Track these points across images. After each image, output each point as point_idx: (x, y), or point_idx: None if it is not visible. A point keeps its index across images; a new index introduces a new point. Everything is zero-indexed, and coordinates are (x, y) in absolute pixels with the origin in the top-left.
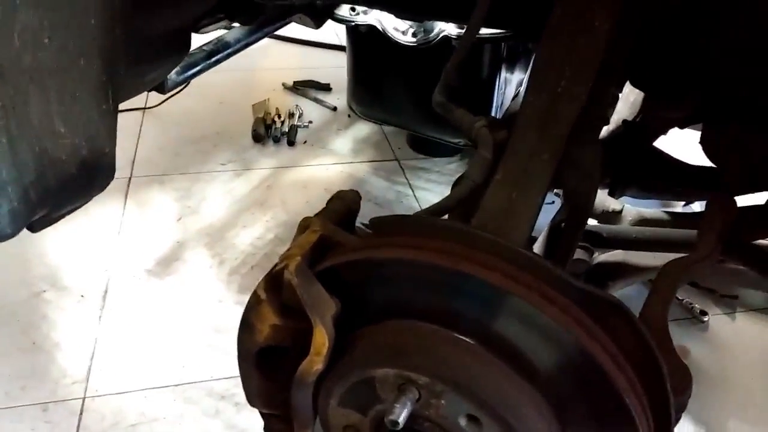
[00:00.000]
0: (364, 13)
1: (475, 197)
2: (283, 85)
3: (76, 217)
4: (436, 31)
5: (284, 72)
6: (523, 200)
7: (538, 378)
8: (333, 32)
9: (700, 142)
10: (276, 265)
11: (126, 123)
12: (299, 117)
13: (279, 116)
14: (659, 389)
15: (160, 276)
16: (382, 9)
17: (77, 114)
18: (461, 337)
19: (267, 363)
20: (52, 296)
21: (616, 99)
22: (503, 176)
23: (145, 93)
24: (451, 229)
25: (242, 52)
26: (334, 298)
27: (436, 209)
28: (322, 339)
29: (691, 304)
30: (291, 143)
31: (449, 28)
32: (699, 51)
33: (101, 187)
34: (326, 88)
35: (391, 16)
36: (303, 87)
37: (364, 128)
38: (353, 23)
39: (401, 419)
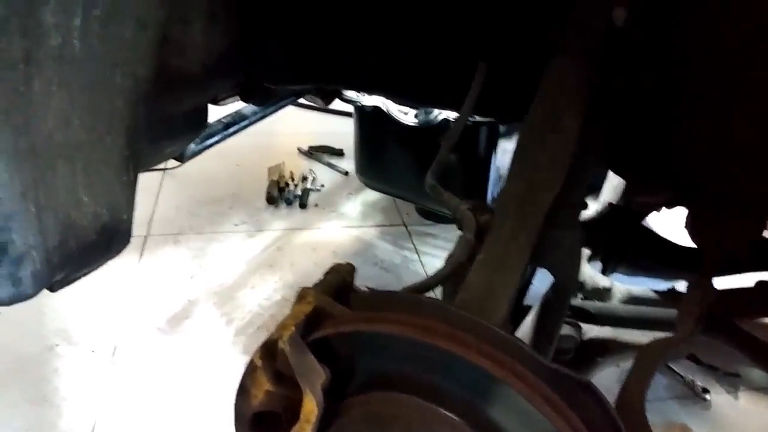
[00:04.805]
0: (369, 94)
1: (461, 275)
2: (298, 149)
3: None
4: (436, 113)
5: (300, 137)
6: (502, 281)
7: None
8: None
9: (684, 225)
10: (272, 333)
11: (146, 182)
12: (312, 181)
13: (293, 179)
14: None
15: (169, 334)
16: (382, 95)
17: (100, 185)
18: (437, 408)
19: (261, 427)
20: (64, 350)
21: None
22: (484, 258)
23: None
24: (433, 307)
25: None
26: (324, 367)
27: (422, 286)
28: (311, 407)
29: (693, 381)
30: (303, 206)
31: (448, 112)
32: (668, 143)
33: (118, 251)
34: (339, 153)
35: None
36: (317, 152)
37: (374, 193)
38: (359, 104)
39: None
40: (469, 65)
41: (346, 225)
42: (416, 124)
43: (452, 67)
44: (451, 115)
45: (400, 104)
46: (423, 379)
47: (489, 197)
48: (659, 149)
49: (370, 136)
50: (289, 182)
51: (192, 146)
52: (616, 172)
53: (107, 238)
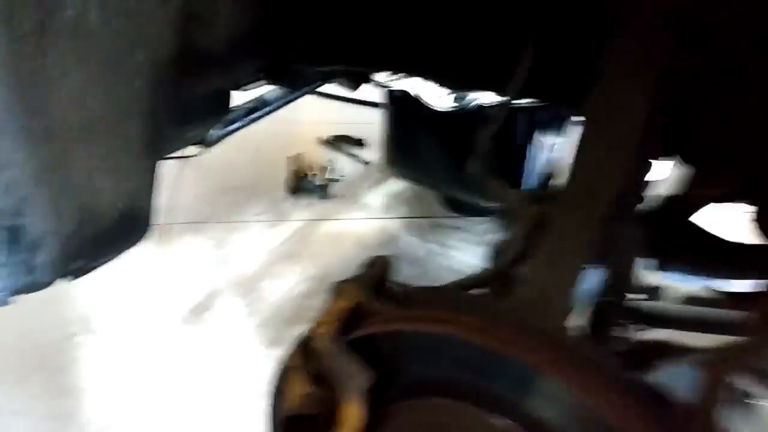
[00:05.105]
0: (408, 76)
1: (509, 271)
2: (319, 139)
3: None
4: (470, 98)
5: (320, 126)
6: (562, 279)
7: None
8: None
9: (754, 219)
10: (308, 331)
11: (165, 171)
12: (333, 171)
13: (313, 169)
14: None
15: (190, 324)
16: (421, 78)
17: (119, 171)
18: (496, 418)
19: (296, 430)
20: (83, 340)
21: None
22: (542, 254)
23: None
24: (491, 306)
25: None
26: (368, 368)
27: (470, 282)
28: (355, 414)
29: (743, 384)
30: (324, 196)
31: (482, 96)
32: (740, 131)
33: (137, 240)
34: (360, 143)
35: (427, 83)
36: (338, 141)
37: (397, 184)
38: (389, 88)
39: None
40: (514, 43)
41: (369, 216)
42: (449, 110)
43: (496, 45)
44: (486, 100)
45: (441, 86)
46: (479, 385)
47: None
48: (729, 137)
49: (399, 122)
50: (310, 172)
51: (214, 132)
52: (685, 161)
53: (126, 226)
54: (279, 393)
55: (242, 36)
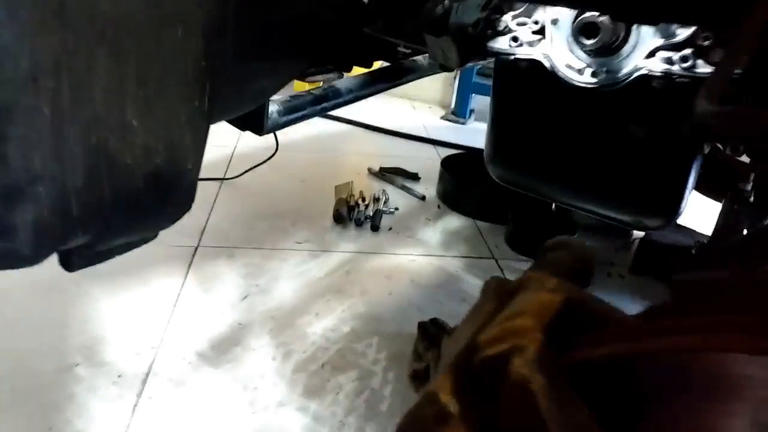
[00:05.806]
0: (529, 44)
1: None
2: (369, 170)
3: (129, 282)
4: (627, 69)
5: (369, 158)
6: None
7: None
8: (421, 125)
9: None
10: (477, 342)
11: (201, 191)
12: (385, 202)
13: (363, 199)
14: None
15: (212, 362)
16: (595, 10)
17: (159, 105)
18: None
19: None
20: (86, 372)
21: None
22: None
23: (225, 164)
24: None
25: (327, 136)
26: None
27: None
28: None
29: None
30: (375, 228)
31: (650, 64)
32: None
33: (172, 217)
34: (415, 177)
35: (564, 50)
36: (390, 173)
37: (455, 221)
38: (512, 56)
39: None
40: None
41: (425, 253)
42: (594, 85)
43: None
44: (654, 69)
45: (627, 21)
46: None
47: (682, 207)
48: None
49: (517, 106)
50: (359, 202)
51: (275, 116)
52: None
53: (160, 192)
54: None
55: None
